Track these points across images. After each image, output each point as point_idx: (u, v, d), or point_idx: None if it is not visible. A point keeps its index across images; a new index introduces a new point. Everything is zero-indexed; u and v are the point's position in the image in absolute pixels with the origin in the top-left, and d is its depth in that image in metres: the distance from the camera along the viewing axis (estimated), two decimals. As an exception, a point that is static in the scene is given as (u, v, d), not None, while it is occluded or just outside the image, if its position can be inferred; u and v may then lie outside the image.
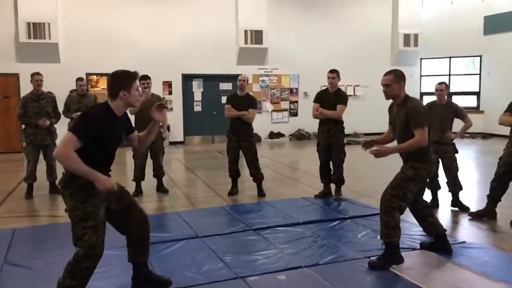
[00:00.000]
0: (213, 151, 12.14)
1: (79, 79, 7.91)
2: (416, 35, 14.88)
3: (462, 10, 14.78)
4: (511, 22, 13.49)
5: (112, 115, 3.02)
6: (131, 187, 6.93)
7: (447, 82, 15.43)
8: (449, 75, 15.33)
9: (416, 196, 3.96)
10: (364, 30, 14.74)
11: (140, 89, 6.40)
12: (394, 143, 4.15)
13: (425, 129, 3.77)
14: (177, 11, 13.15)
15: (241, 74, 6.84)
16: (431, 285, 3.50)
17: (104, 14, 12.51)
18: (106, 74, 13.08)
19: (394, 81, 3.91)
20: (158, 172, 6.86)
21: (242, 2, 13.41)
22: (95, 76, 14.33)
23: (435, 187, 5.84)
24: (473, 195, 6.40)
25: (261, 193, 6.56)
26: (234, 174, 6.62)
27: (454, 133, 5.74)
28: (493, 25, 14.17)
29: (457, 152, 5.74)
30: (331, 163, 6.34)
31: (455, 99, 15.03)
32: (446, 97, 5.81)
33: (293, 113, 14.42)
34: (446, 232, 4.24)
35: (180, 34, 13.10)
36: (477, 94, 14.86)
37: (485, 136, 13.71)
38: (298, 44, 14.12)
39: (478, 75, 14.87)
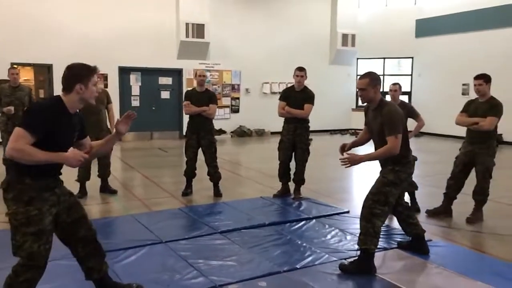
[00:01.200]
0: (153, 148, 11.67)
1: (12, 68, 7.18)
2: (353, 36, 15.29)
3: (396, 13, 15.40)
4: (441, 26, 14.27)
5: (65, 111, 2.73)
6: (73, 188, 6.43)
7: (382, 82, 16.15)
8: (383, 75, 15.92)
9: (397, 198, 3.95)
10: (305, 28, 14.89)
11: (98, 84, 5.93)
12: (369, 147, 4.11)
13: (398, 137, 3.67)
14: (113, 1, 12.44)
15: (199, 69, 6.56)
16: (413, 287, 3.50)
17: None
18: (32, 64, 12.12)
19: (369, 84, 3.77)
20: (105, 171, 6.41)
21: (183, -6, 12.99)
22: (17, 66, 13.18)
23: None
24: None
25: (218, 193, 6.34)
26: (191, 173, 6.33)
27: (409, 131, 5.86)
28: (424, 29, 14.91)
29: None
30: (291, 162, 6.24)
31: (388, 98, 15.71)
32: (399, 97, 5.93)
33: (235, 110, 14.24)
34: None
35: (116, 25, 12.42)
36: (409, 94, 15.57)
37: (417, 134, 14.35)
38: (240, 40, 13.95)
39: (410, 76, 15.59)
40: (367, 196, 3.81)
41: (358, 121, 15.75)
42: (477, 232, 5.00)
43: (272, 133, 14.61)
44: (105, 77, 12.60)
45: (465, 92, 13.72)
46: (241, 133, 13.85)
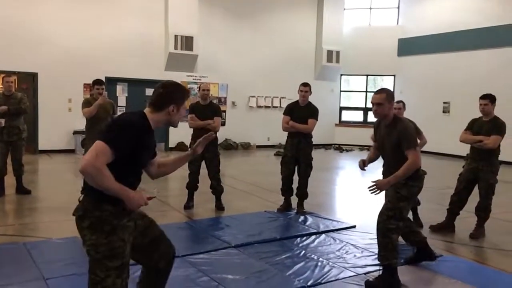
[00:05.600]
0: (141, 160, 11.49)
1: (7, 76, 6.99)
2: (338, 52, 15.57)
3: (379, 31, 15.80)
4: (423, 46, 14.72)
5: (150, 129, 2.53)
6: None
7: (365, 98, 16.47)
8: (366, 91, 16.28)
9: None
10: (291, 44, 15.08)
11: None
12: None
13: (417, 149, 3.78)
14: (101, 11, 12.30)
15: (203, 83, 6.54)
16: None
17: (17, 6, 11.26)
18: (16, 72, 11.81)
19: (386, 100, 3.82)
20: None
21: (172, 6, 12.97)
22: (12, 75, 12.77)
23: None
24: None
25: (220, 206, 6.31)
26: (194, 186, 6.29)
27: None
28: (406, 48, 15.35)
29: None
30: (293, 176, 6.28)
31: (371, 115, 16.02)
32: (403, 115, 6.06)
33: (221, 123, 14.16)
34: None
35: (104, 35, 12.28)
36: (391, 110, 15.91)
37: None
38: (228, 54, 14.01)
39: (392, 93, 15.95)
40: (382, 211, 3.87)
41: (341, 136, 16.05)
42: (481, 247, 5.15)
43: (258, 146, 14.68)
44: (91, 88, 12.43)
45: (445, 110, 14.17)
46: (228, 146, 13.83)
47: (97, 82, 6.48)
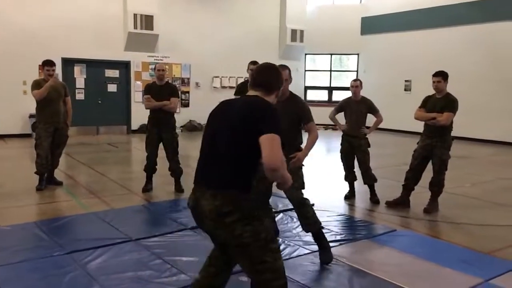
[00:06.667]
0: (102, 143, 11.25)
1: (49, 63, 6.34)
2: (302, 31, 15.49)
3: (342, 10, 15.81)
4: (385, 24, 14.83)
5: None
6: (28, 183, 6.11)
7: (329, 78, 16.55)
8: (330, 70, 16.35)
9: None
10: (254, 23, 14.89)
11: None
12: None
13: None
14: (56, -12, 11.82)
15: (158, 63, 6.38)
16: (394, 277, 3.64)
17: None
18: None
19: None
20: (55, 163, 6.39)
21: (131, -16, 12.56)
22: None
23: (352, 178, 6.13)
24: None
25: (179, 188, 6.22)
26: (152, 169, 6.17)
27: (367, 127, 6.07)
28: (369, 26, 15.43)
29: (369, 146, 6.05)
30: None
31: (336, 94, 16.14)
32: (360, 93, 6.10)
33: (185, 104, 14.00)
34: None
35: (59, 14, 11.77)
36: (354, 89, 16.04)
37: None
38: (190, 33, 13.73)
39: (356, 72, 16.08)
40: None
41: (306, 115, 16.05)
42: (435, 221, 5.27)
43: (223, 127, 14.53)
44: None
45: (407, 88, 14.39)
46: (192, 128, 13.67)
47: (47, 62, 6.19)
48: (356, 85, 6.02)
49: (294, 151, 3.83)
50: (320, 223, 3.95)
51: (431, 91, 5.49)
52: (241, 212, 2.23)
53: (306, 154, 3.89)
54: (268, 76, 2.50)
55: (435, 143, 5.38)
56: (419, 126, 5.75)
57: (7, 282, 3.34)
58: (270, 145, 2.15)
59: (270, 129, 2.19)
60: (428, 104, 5.48)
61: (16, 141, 10.89)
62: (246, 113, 2.32)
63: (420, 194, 5.71)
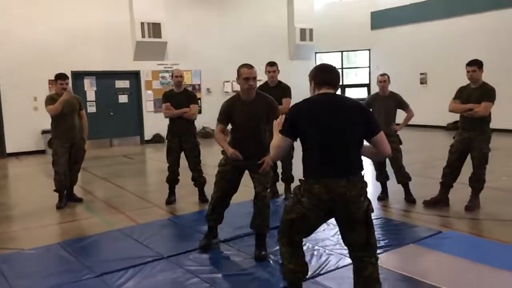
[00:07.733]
0: (117, 155, 11.04)
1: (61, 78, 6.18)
2: (311, 30, 15.20)
3: (350, 6, 15.51)
4: (395, 18, 14.51)
5: None
6: (47, 201, 5.90)
7: (341, 75, 16.38)
8: (342, 68, 16.04)
9: None
10: (262, 25, 14.63)
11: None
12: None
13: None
14: (61, 1, 11.65)
15: (176, 69, 6.14)
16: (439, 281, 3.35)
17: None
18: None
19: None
20: (73, 179, 6.21)
21: (136, -8, 12.39)
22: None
23: (384, 178, 5.83)
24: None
25: (204, 198, 5.96)
26: (174, 180, 5.93)
27: (398, 124, 5.79)
28: (379, 21, 15.12)
29: (401, 143, 5.75)
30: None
31: (348, 91, 15.86)
32: (388, 88, 5.82)
33: (198, 111, 13.73)
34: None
35: (65, 27, 11.61)
36: (368, 86, 15.75)
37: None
38: (198, 39, 13.51)
39: (368, 68, 15.77)
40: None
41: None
42: (478, 219, 4.97)
43: (236, 132, 14.28)
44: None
45: (423, 81, 14.07)
46: (206, 135, 13.43)
47: (60, 76, 5.99)
48: (384, 79, 5.75)
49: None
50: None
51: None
52: (365, 190, 2.75)
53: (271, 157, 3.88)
54: (334, 76, 2.88)
55: (473, 136, 5.07)
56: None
57: (37, 312, 3.11)
58: (385, 139, 2.80)
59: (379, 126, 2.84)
60: (462, 95, 5.17)
61: (31, 159, 10.72)
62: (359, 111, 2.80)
63: (458, 191, 5.41)
